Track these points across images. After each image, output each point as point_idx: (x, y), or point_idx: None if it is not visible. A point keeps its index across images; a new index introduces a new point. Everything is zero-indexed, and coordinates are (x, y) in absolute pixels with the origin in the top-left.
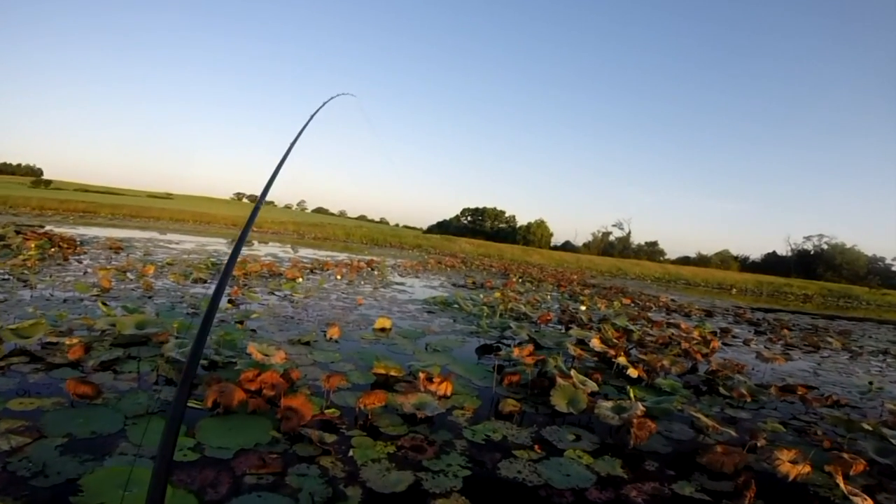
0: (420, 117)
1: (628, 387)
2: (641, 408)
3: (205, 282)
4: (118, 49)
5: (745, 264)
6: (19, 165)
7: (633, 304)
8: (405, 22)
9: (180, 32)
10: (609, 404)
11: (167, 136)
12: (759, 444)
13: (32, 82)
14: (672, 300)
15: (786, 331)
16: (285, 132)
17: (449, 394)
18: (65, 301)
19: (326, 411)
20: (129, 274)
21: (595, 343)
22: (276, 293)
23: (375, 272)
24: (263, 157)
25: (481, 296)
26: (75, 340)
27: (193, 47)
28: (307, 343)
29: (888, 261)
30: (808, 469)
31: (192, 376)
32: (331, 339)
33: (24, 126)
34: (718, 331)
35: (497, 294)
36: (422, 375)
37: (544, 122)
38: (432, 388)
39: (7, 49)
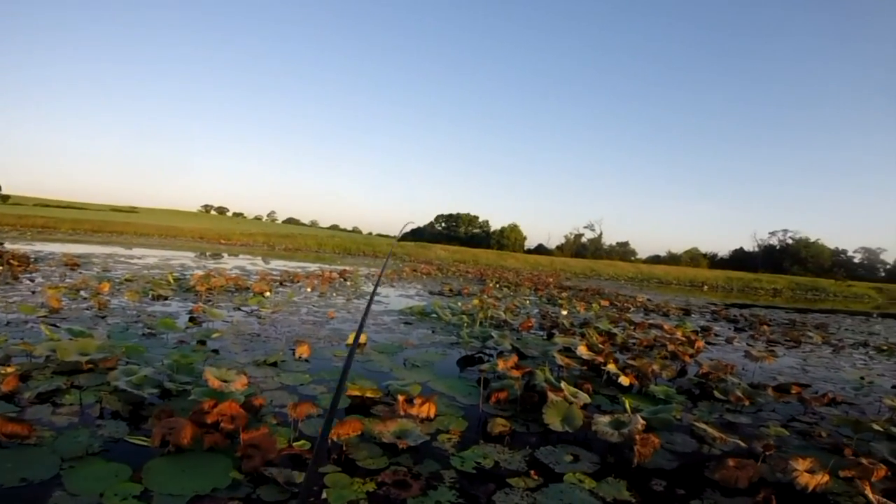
0: (393, 122)
1: (621, 396)
2: (642, 421)
3: (165, 299)
4: (78, 61)
5: (713, 261)
6: None
7: (611, 306)
8: (377, 25)
9: (145, 41)
10: (606, 419)
11: (133, 147)
12: (767, 453)
13: None
14: (648, 300)
15: (765, 326)
16: (256, 137)
17: (432, 416)
18: (7, 324)
19: (295, 444)
20: (82, 292)
21: (582, 350)
22: (243, 308)
23: (348, 283)
24: (232, 166)
25: (459, 303)
26: (11, 369)
27: (158, 57)
28: (274, 364)
29: (850, 253)
30: (826, 478)
31: (338, 401)
32: (300, 358)
33: None
34: (699, 329)
35: (475, 301)
36: (401, 398)
37: (515, 127)
38: (413, 411)
39: None
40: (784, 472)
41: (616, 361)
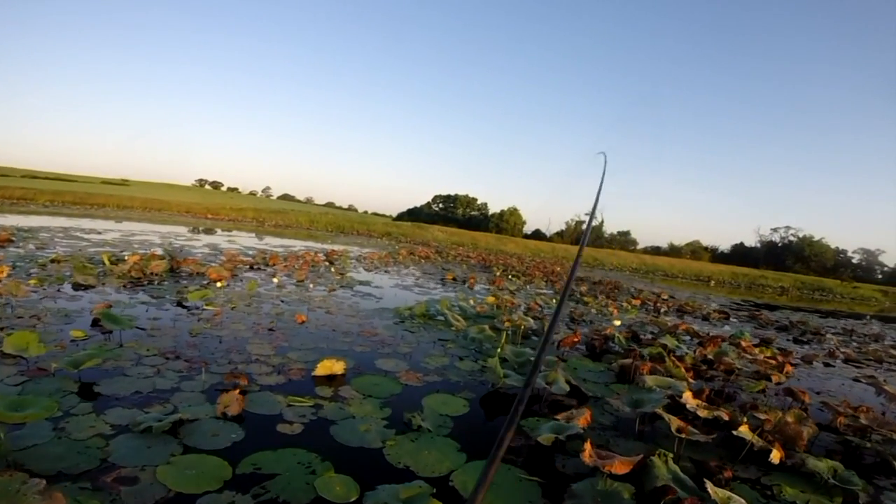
0: (393, 102)
1: (779, 487)
2: None
3: (86, 288)
4: (80, 35)
5: (714, 254)
6: None
7: (642, 305)
8: (380, 7)
9: (151, 15)
10: None
11: (130, 121)
12: None
13: None
14: (671, 297)
15: (834, 339)
16: (255, 113)
17: None
18: None
19: None
20: None
21: (689, 399)
22: (183, 305)
23: (333, 268)
24: (230, 141)
25: (471, 301)
26: None
27: (157, 32)
28: (172, 430)
29: (849, 253)
30: None
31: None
32: (224, 415)
33: None
34: (759, 341)
35: (490, 298)
36: None
37: (515, 110)
38: None
39: None
40: None
41: (742, 416)
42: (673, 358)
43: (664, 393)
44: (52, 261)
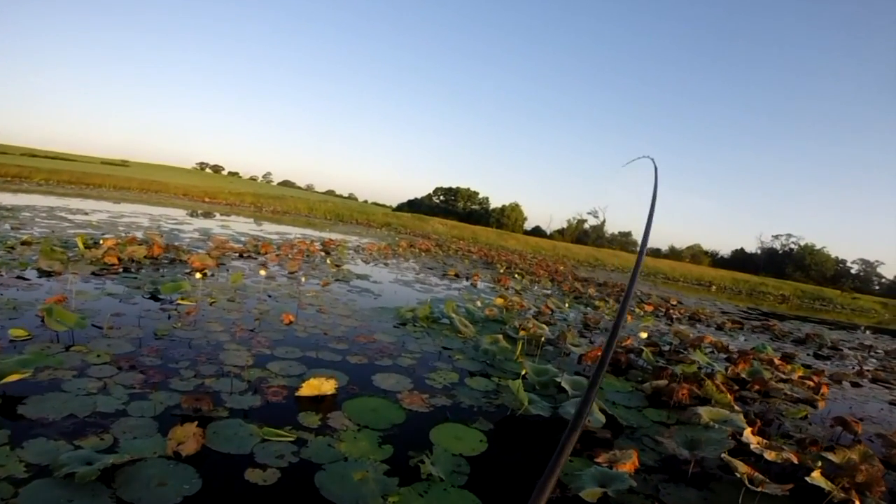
0: (399, 93)
1: None
2: None
3: (49, 274)
4: (84, 16)
5: (714, 259)
6: None
7: (654, 312)
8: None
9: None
10: None
11: (135, 102)
12: None
13: None
14: (680, 303)
15: (857, 356)
16: (260, 98)
17: None
18: None
19: None
20: None
21: (750, 438)
22: (157, 298)
23: (329, 259)
24: (234, 126)
25: (478, 302)
26: None
27: (159, 12)
28: (105, 477)
29: (848, 263)
30: None
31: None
32: (176, 455)
33: None
34: (781, 355)
35: (498, 300)
36: None
37: (522, 106)
38: None
39: None
40: None
41: (809, 456)
42: (717, 382)
43: (725, 432)
44: (23, 243)
